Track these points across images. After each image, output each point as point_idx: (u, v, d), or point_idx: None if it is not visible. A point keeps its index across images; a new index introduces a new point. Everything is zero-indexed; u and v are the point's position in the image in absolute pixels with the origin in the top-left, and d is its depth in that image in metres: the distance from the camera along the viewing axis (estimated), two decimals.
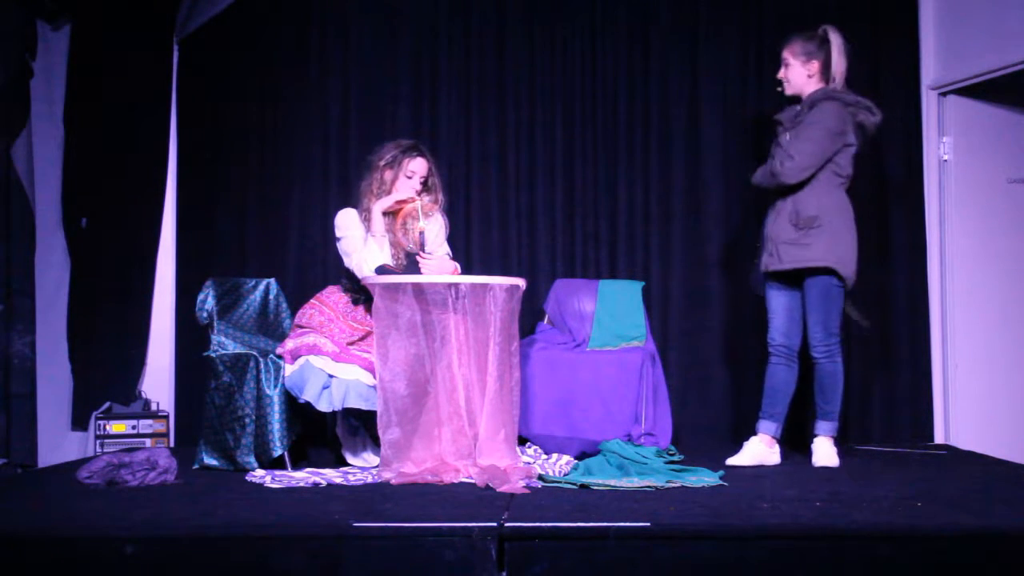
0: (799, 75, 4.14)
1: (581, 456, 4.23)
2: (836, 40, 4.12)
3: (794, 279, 4.13)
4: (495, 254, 5.12)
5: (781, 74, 4.19)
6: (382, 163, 4.16)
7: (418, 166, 4.15)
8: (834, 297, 4.06)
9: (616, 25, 5.16)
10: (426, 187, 4.20)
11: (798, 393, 4.21)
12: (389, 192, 4.15)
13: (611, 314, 4.82)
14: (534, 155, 5.15)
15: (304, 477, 3.67)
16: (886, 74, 5.06)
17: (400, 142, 4.23)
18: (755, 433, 4.14)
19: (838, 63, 4.11)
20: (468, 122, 5.17)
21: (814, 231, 3.99)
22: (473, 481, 3.56)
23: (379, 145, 4.27)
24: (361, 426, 4.14)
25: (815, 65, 4.12)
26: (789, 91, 4.19)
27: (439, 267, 4.06)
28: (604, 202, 5.13)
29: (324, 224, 4.90)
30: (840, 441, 4.25)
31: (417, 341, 3.71)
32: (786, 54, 4.17)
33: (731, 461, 4.05)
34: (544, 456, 4.22)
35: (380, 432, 3.70)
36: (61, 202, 4.93)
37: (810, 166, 4.00)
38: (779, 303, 4.17)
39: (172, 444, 4.93)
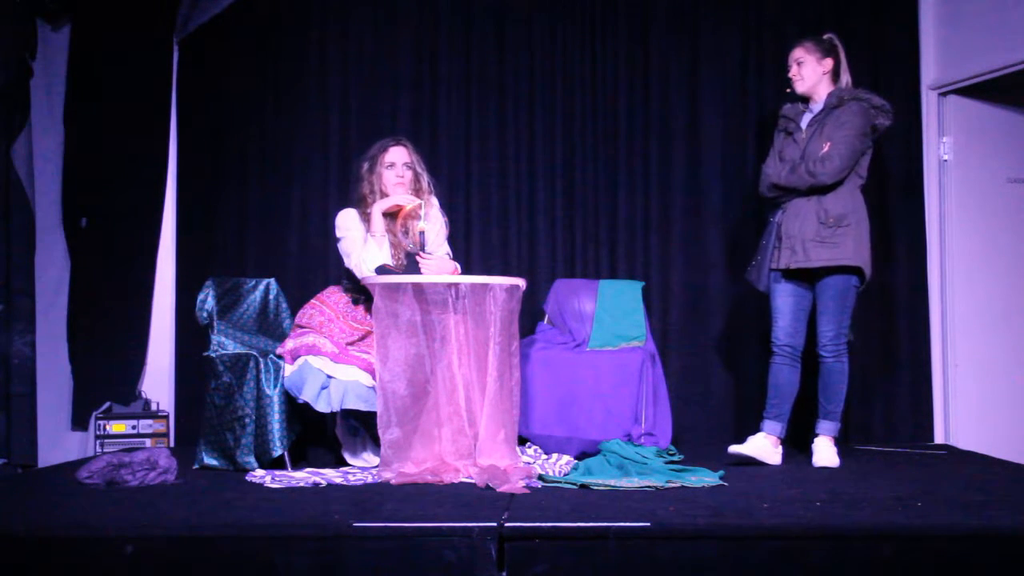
0: (814, 72, 4.15)
1: (581, 456, 4.23)
2: (842, 50, 4.18)
3: (808, 278, 4.14)
4: (495, 254, 5.12)
5: (793, 72, 4.19)
6: (364, 168, 4.18)
7: (393, 155, 4.16)
8: (851, 297, 4.09)
9: (616, 24, 5.16)
10: (416, 176, 4.20)
11: (799, 393, 4.20)
12: (382, 192, 4.15)
13: (611, 314, 4.81)
14: (534, 155, 5.16)
15: (304, 477, 3.67)
16: (886, 74, 5.05)
17: (375, 144, 4.24)
18: (759, 431, 4.14)
19: (846, 71, 4.18)
20: (468, 122, 5.17)
21: (842, 230, 4.01)
22: (473, 481, 3.56)
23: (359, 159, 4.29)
24: (361, 426, 4.14)
25: (830, 63, 4.15)
26: (801, 89, 4.19)
27: (439, 267, 4.05)
28: (604, 202, 5.13)
29: (324, 224, 4.89)
30: (840, 441, 4.25)
31: (417, 341, 3.71)
32: (799, 52, 4.17)
33: (733, 449, 4.07)
34: (544, 456, 4.22)
35: (380, 432, 3.69)
36: (61, 202, 4.93)
37: (847, 167, 4.04)
38: (786, 303, 4.17)
39: (172, 444, 4.93)
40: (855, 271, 4.06)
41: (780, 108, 4.33)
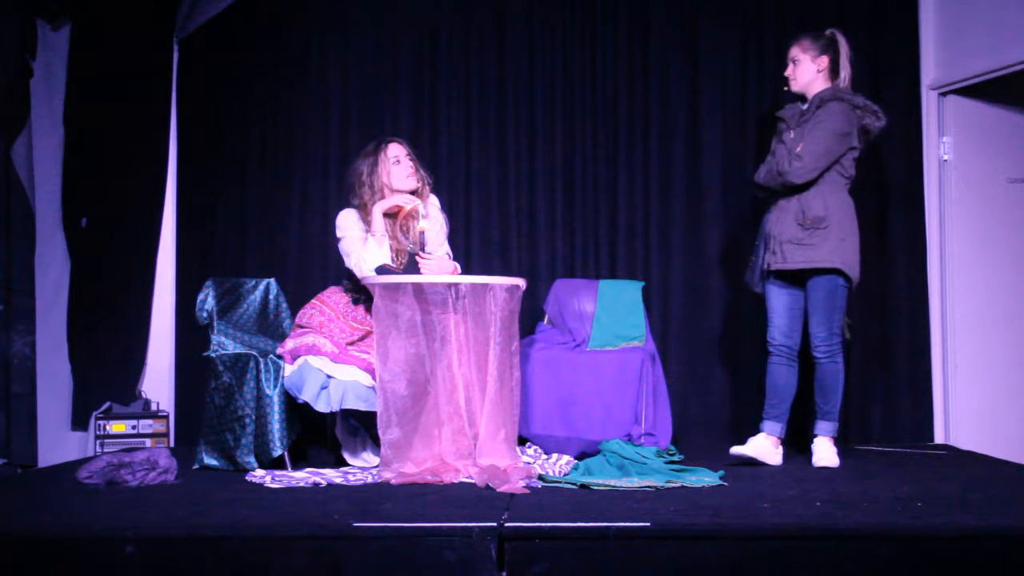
0: (808, 71, 4.14)
1: (581, 456, 4.23)
2: (844, 45, 4.15)
3: (797, 278, 4.13)
4: (495, 254, 5.12)
5: (788, 71, 4.18)
6: (364, 172, 4.14)
7: (395, 150, 4.16)
8: (839, 297, 4.07)
9: (616, 25, 5.16)
10: (417, 168, 4.20)
11: (798, 393, 4.21)
12: (384, 191, 4.14)
13: (611, 314, 4.81)
14: (534, 155, 5.16)
15: (304, 477, 3.67)
16: (886, 74, 5.05)
17: (368, 146, 4.23)
18: (759, 432, 4.14)
19: (846, 67, 4.15)
20: (468, 122, 5.17)
21: (820, 231, 4.00)
22: (473, 481, 3.56)
23: (349, 168, 4.26)
24: (361, 426, 4.14)
25: (824, 61, 4.14)
26: (796, 88, 4.19)
27: (439, 267, 4.06)
28: (604, 202, 5.13)
29: (324, 224, 4.89)
30: (840, 441, 4.25)
31: (417, 341, 3.71)
32: (795, 51, 4.17)
33: (735, 450, 4.07)
34: (544, 456, 4.22)
35: (380, 432, 3.70)
36: (61, 202, 4.92)
37: (818, 167, 4.02)
38: (780, 302, 4.17)
39: (172, 444, 4.93)
40: (841, 271, 4.05)
41: (779, 109, 4.33)
